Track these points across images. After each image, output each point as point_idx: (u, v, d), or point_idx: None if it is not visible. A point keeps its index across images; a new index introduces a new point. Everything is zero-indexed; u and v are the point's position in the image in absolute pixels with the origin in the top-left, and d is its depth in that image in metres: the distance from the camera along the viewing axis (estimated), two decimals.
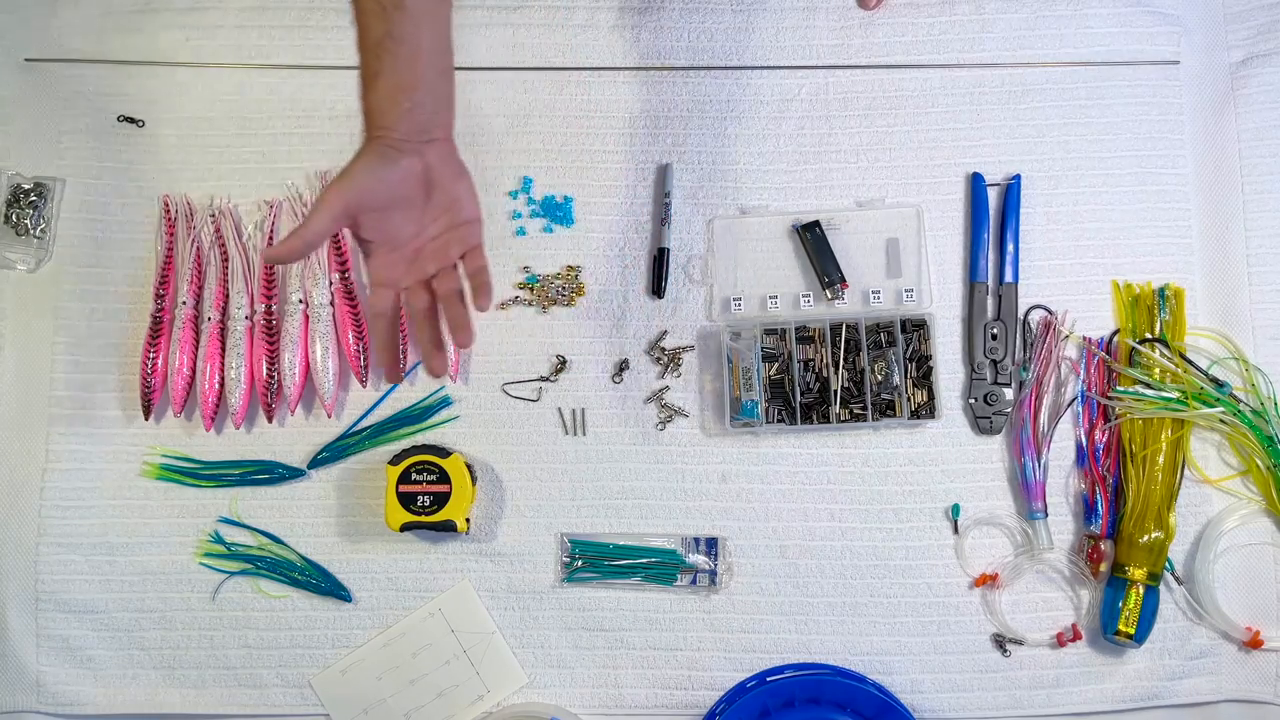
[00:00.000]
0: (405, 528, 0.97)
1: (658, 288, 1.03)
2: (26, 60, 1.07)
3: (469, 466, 0.98)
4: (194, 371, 1.01)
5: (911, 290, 1.02)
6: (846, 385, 1.00)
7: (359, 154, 0.81)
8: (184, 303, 1.01)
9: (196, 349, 1.01)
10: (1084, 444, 1.00)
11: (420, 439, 1.02)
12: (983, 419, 1.01)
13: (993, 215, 1.03)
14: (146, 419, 1.01)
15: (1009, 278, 1.02)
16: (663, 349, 1.03)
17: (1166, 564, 0.97)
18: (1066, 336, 1.02)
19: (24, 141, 1.06)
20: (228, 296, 1.02)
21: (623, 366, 1.03)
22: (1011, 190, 1.03)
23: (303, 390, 1.01)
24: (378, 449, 1.02)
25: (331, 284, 1.02)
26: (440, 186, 0.84)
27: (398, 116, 0.80)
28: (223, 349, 1.01)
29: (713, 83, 1.06)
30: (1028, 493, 0.99)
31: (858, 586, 0.99)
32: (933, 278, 1.03)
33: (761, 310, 1.03)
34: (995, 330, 1.01)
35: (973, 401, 1.01)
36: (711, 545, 1.00)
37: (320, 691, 0.99)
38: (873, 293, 1.02)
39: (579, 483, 1.01)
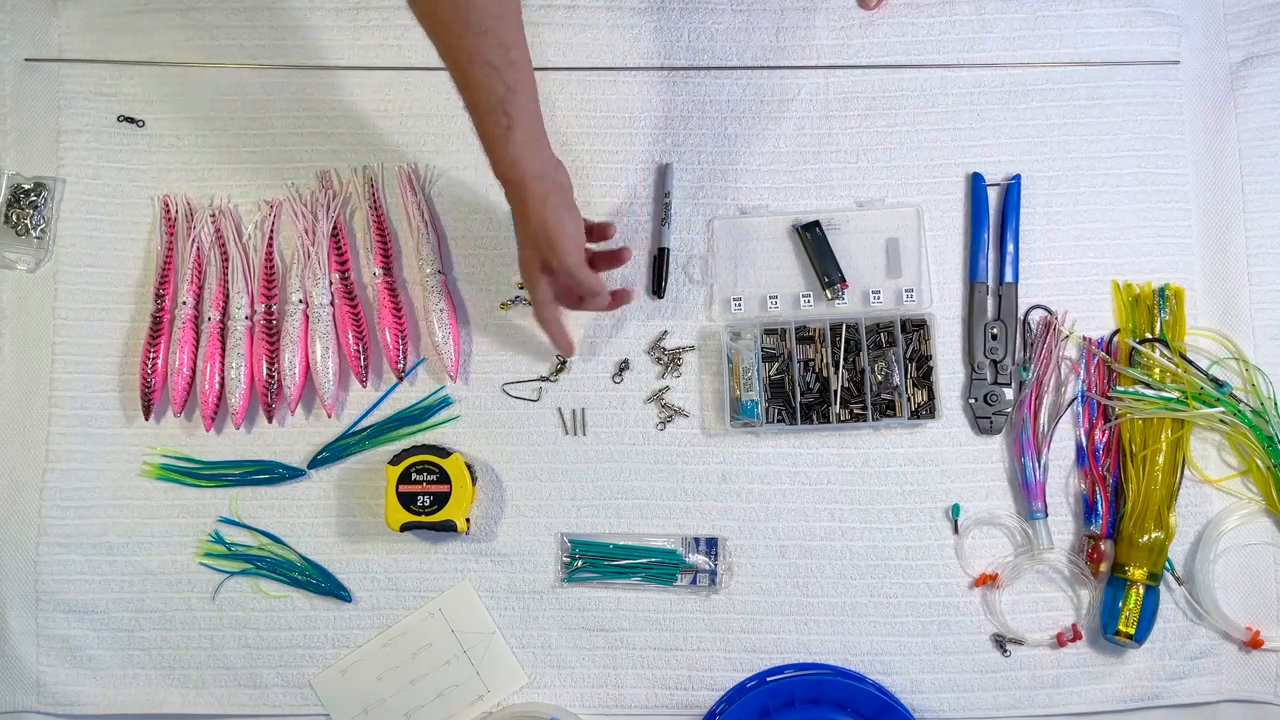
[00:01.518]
0: (405, 528, 0.97)
1: (658, 288, 1.03)
2: (26, 60, 1.07)
3: (469, 466, 0.98)
4: (194, 371, 1.01)
5: (911, 290, 1.02)
6: (846, 385, 1.00)
7: (542, 212, 0.87)
8: (184, 303, 1.01)
9: (196, 349, 1.01)
10: (1084, 444, 1.00)
11: (420, 439, 1.02)
12: (983, 419, 1.01)
13: (993, 215, 1.03)
14: (146, 419, 1.01)
15: (1009, 278, 1.02)
16: (663, 349, 1.03)
17: (1166, 564, 0.97)
18: (1066, 336, 1.02)
19: (24, 141, 1.06)
20: (228, 296, 1.02)
21: (623, 366, 1.03)
22: (1011, 190, 1.03)
23: (303, 390, 1.01)
24: (378, 449, 1.02)
25: (331, 284, 1.02)
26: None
27: (536, 156, 0.86)
28: (223, 349, 1.01)
29: (713, 83, 1.06)
30: (1028, 493, 0.99)
31: (858, 586, 0.99)
32: (933, 278, 1.03)
33: (761, 310, 1.03)
34: (995, 330, 1.01)
35: (973, 401, 1.01)
36: (711, 545, 1.00)
37: (320, 691, 0.99)
38: (873, 293, 1.02)
39: (579, 483, 1.01)
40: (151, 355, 1.01)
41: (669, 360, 1.02)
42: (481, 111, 0.84)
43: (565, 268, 0.89)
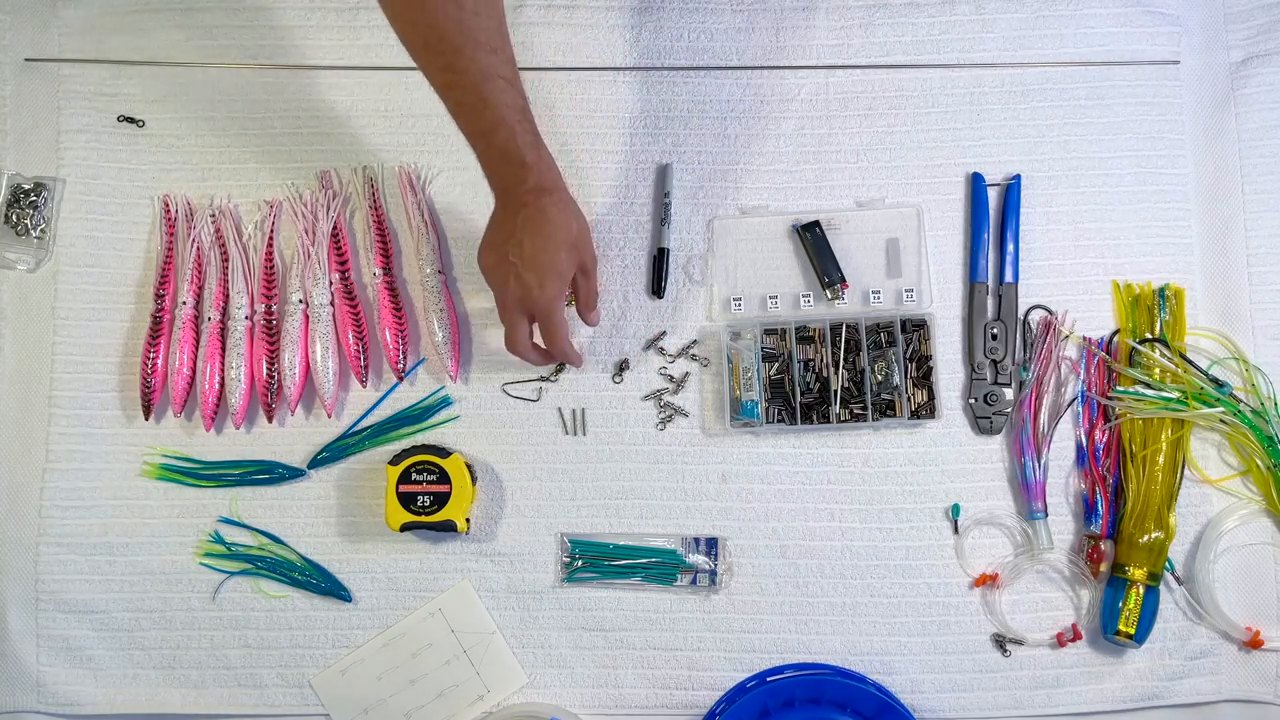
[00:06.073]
0: (405, 528, 0.97)
1: (658, 288, 1.03)
2: (26, 60, 1.07)
3: (469, 466, 0.98)
4: (194, 371, 1.01)
5: (911, 290, 1.02)
6: (846, 385, 1.00)
7: (567, 211, 0.89)
8: (184, 303, 1.01)
9: (196, 349, 1.01)
10: (1084, 444, 1.00)
11: (420, 439, 1.02)
12: (983, 419, 1.01)
13: (993, 215, 1.03)
14: (146, 419, 1.01)
15: (1009, 278, 1.02)
16: (661, 348, 1.03)
17: (1166, 564, 0.97)
18: (1066, 336, 1.02)
19: (24, 141, 1.06)
20: (228, 296, 1.02)
21: (623, 366, 1.03)
22: (1011, 190, 1.03)
23: (303, 390, 1.01)
24: (378, 449, 1.02)
25: (331, 284, 1.02)
26: None
27: (552, 161, 0.89)
28: (223, 349, 1.01)
29: (713, 83, 1.06)
30: (1028, 493, 0.99)
31: (858, 586, 0.99)
32: (933, 278, 1.03)
33: (761, 310, 1.03)
34: (995, 330, 1.01)
35: (973, 401, 1.01)
36: (711, 545, 1.00)
37: (320, 691, 0.99)
38: (873, 293, 1.02)
39: (579, 483, 1.01)
40: (151, 355, 1.01)
41: (683, 354, 1.02)
42: (505, 127, 0.84)
43: (586, 264, 0.92)
